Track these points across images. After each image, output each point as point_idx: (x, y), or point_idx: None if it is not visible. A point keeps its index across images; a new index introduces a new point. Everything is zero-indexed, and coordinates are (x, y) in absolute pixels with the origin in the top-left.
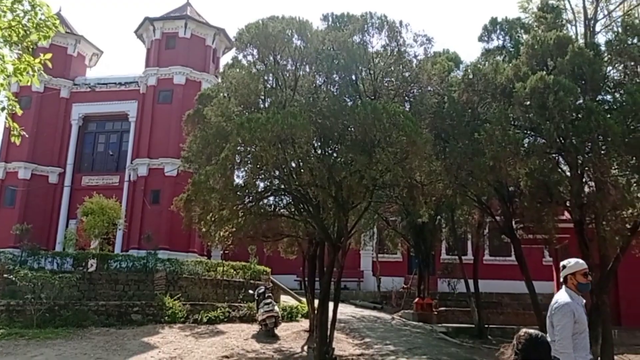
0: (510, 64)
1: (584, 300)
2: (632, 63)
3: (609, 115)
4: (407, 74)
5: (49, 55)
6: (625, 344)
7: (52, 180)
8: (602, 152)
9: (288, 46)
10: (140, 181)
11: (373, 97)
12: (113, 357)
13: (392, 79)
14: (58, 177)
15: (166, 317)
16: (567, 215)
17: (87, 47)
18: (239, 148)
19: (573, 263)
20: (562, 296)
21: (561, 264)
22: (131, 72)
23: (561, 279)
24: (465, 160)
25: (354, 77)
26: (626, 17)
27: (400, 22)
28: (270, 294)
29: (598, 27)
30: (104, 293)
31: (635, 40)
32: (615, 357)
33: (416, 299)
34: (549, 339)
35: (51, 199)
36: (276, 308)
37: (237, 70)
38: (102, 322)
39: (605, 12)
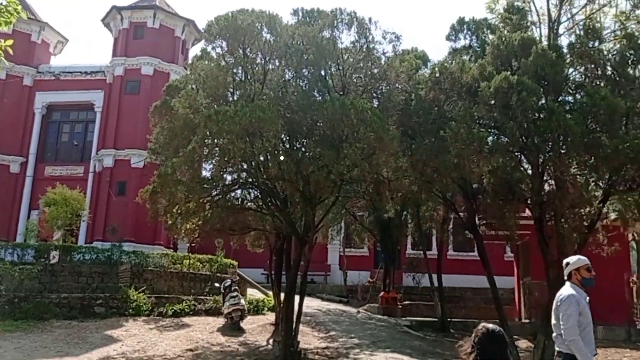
0: (476, 64)
1: (588, 297)
2: (593, 65)
3: (569, 116)
4: (375, 71)
5: (10, 42)
6: None
7: (14, 170)
8: (562, 151)
9: (257, 39)
10: (106, 172)
11: (342, 93)
12: (74, 350)
13: (361, 75)
14: (20, 167)
15: (130, 310)
16: (528, 212)
17: (52, 35)
18: (206, 140)
19: (575, 259)
20: (566, 290)
21: (564, 262)
22: (97, 61)
23: (565, 277)
24: (430, 157)
25: (323, 73)
26: (588, 20)
27: (370, 19)
28: (236, 287)
29: (561, 30)
30: (66, 285)
31: (596, 44)
32: None
33: (381, 293)
34: (554, 334)
35: (12, 189)
36: (242, 301)
37: (206, 62)
38: (64, 315)
39: (569, 15)
